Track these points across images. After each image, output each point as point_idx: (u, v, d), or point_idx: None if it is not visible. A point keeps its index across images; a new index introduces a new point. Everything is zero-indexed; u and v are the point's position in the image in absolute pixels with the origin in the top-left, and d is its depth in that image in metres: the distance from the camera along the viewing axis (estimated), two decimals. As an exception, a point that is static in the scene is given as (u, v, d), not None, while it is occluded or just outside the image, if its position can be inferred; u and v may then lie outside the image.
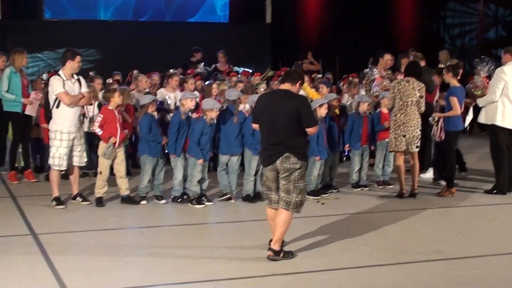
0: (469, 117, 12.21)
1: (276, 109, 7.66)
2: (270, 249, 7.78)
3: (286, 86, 7.83)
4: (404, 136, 10.96)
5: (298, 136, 7.68)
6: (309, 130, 7.72)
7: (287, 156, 7.60)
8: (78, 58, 10.19)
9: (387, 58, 13.66)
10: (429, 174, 12.68)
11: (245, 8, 22.78)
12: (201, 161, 10.40)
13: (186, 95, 10.78)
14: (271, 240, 7.90)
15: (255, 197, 10.82)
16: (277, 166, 7.69)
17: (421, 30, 23.85)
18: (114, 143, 10.31)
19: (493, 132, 11.53)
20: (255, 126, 8.06)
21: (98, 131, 10.34)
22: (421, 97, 11.00)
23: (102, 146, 10.38)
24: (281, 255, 7.78)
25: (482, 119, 11.65)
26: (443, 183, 11.81)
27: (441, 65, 13.19)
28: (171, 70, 14.19)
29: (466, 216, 10.20)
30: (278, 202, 7.82)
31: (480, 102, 11.68)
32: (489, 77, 12.01)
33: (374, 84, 13.22)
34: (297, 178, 7.68)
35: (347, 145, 11.82)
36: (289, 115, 7.58)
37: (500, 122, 11.38)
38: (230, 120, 10.70)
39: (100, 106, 11.73)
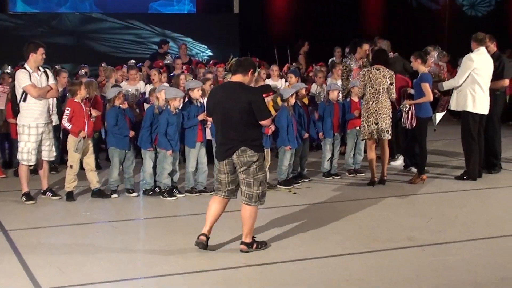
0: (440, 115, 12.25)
1: (229, 102, 7.58)
2: (242, 242, 7.78)
3: (238, 77, 7.74)
4: (377, 124, 10.98)
5: (253, 128, 7.62)
6: (263, 123, 7.70)
7: (243, 150, 7.56)
8: (41, 50, 10.04)
9: (365, 47, 13.55)
10: (400, 162, 12.72)
11: (212, -2, 22.72)
12: (170, 152, 10.34)
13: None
14: (202, 235, 7.81)
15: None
16: (233, 160, 7.63)
17: (388, 16, 23.91)
18: (84, 137, 10.21)
19: (464, 118, 11.60)
20: (210, 119, 8.03)
21: (68, 125, 10.23)
22: (391, 84, 11.02)
23: (71, 140, 10.27)
24: (254, 246, 7.80)
25: (453, 106, 11.72)
26: (414, 170, 11.89)
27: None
28: (129, 62, 14.10)
29: (437, 203, 10.25)
30: (226, 192, 7.87)
31: (444, 85, 11.75)
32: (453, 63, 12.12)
33: (352, 74, 13.24)
34: (256, 170, 7.64)
35: (321, 133, 11.76)
36: (243, 109, 7.51)
37: (471, 108, 11.46)
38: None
39: (58, 100, 11.64)
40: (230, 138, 7.59)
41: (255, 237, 7.91)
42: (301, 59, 17.73)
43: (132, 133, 10.58)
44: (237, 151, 7.56)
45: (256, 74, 7.97)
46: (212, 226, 7.87)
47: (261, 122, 7.66)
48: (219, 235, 8.27)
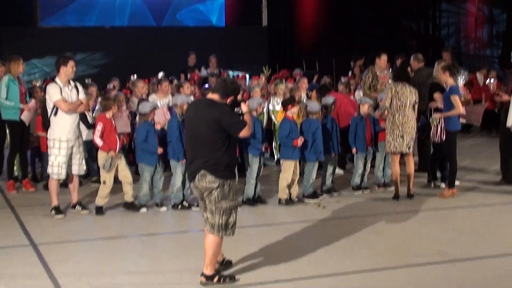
0: None
1: (197, 120, 7.04)
2: (202, 273, 7.22)
3: (214, 96, 7.12)
4: (402, 137, 10.91)
5: (218, 151, 6.96)
6: (242, 135, 7.08)
7: (203, 174, 6.97)
8: (70, 63, 10.10)
9: (384, 58, 13.63)
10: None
11: (240, 11, 22.78)
12: (183, 161, 10.34)
13: (182, 99, 10.65)
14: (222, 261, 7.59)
15: (256, 201, 10.76)
16: (196, 184, 7.09)
17: (414, 31, 23.91)
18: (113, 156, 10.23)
19: None
20: None
21: (99, 142, 10.25)
22: (416, 102, 11.01)
23: (101, 156, 10.29)
24: (215, 279, 7.19)
25: (510, 122, 11.68)
26: (438, 184, 11.87)
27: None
28: (159, 75, 14.10)
29: (468, 217, 10.13)
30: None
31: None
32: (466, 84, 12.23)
33: (379, 82, 13.29)
34: (218, 198, 7.00)
35: (354, 148, 11.70)
36: (208, 127, 6.93)
37: None
38: None
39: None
40: (193, 159, 7.07)
41: (220, 270, 7.43)
42: (356, 71, 17.56)
43: (160, 150, 10.50)
44: (197, 175, 7.00)
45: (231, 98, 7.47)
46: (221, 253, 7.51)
47: (240, 135, 7.04)
48: (248, 249, 8.24)
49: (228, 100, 7.14)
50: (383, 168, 11.95)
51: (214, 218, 7.06)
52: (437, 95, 11.45)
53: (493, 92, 17.09)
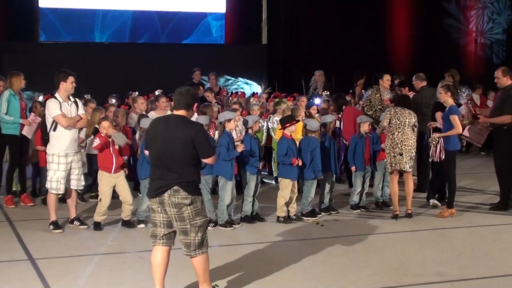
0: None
1: (168, 136, 6.94)
2: None
3: (181, 112, 7.07)
4: (401, 154, 10.92)
5: (190, 167, 6.94)
6: (207, 161, 7.13)
7: (176, 190, 6.87)
8: (71, 78, 10.10)
9: (387, 78, 13.66)
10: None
11: (240, 29, 22.85)
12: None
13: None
14: None
15: (254, 218, 10.76)
16: (164, 199, 6.93)
17: (417, 50, 23.94)
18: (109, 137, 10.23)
19: None
20: (147, 152, 7.57)
21: (97, 141, 10.20)
22: (415, 125, 11.04)
23: (101, 175, 10.29)
24: None
25: None
26: (436, 202, 11.88)
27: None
28: (157, 92, 14.10)
29: (467, 237, 10.13)
30: (163, 238, 7.11)
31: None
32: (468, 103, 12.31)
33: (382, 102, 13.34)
34: (192, 215, 6.92)
35: (353, 167, 11.71)
36: (182, 145, 6.88)
37: None
38: None
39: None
40: (164, 175, 6.92)
41: (217, 286, 7.47)
42: (358, 90, 17.55)
43: None
44: (169, 190, 6.88)
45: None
46: (163, 282, 7.17)
47: (205, 160, 7.07)
48: (245, 266, 8.22)
49: (194, 108, 7.08)
50: (382, 187, 11.96)
51: (189, 237, 6.96)
52: (438, 114, 11.47)
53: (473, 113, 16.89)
